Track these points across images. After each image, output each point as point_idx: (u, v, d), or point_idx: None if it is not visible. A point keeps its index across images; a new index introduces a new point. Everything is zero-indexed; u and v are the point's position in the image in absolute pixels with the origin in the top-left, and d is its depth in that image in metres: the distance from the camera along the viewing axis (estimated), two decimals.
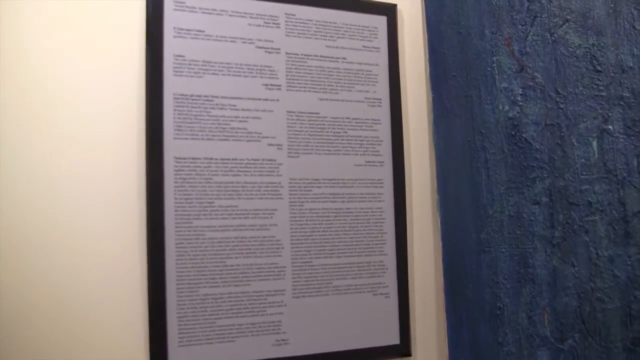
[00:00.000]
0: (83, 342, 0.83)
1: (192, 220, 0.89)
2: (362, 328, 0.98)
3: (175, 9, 0.91)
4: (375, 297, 1.00)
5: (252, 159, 0.94)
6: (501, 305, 0.99)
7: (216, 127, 0.92)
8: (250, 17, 0.96)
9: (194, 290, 0.88)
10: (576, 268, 1.00)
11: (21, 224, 0.82)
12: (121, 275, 0.86)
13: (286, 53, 0.98)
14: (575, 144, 1.03)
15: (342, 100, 1.01)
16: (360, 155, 1.02)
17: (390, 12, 1.07)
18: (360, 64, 1.04)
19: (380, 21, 1.06)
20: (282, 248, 0.94)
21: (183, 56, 0.91)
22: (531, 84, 1.04)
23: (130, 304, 0.86)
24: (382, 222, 1.02)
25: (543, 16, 1.06)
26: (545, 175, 1.02)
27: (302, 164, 0.97)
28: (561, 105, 1.04)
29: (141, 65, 0.90)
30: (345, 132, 1.01)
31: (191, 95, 0.91)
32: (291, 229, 0.95)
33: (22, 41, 0.85)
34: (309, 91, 0.99)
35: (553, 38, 1.05)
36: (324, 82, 1.00)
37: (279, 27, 0.98)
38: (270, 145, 0.95)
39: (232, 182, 0.92)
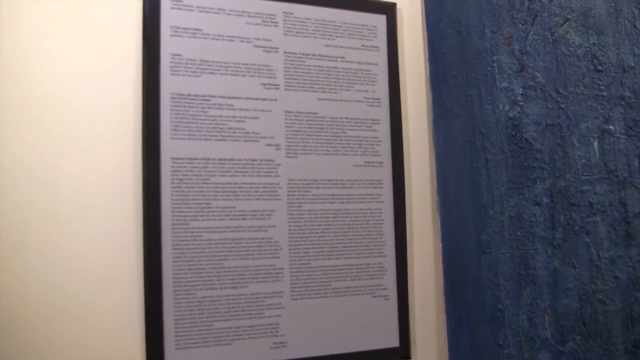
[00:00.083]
0: (78, 345, 0.83)
1: (189, 221, 0.88)
2: (361, 330, 0.97)
3: (172, 8, 0.91)
4: (374, 299, 0.99)
5: (250, 160, 0.93)
6: (502, 307, 0.99)
7: (213, 127, 0.91)
8: (248, 16, 0.96)
9: (191, 293, 0.87)
10: (577, 269, 1.00)
11: (16, 225, 0.82)
12: (117, 277, 0.86)
13: (284, 52, 0.98)
14: (576, 144, 1.03)
15: (341, 100, 1.01)
16: (360, 155, 1.01)
17: (389, 11, 1.06)
18: (360, 63, 1.03)
19: (380, 20, 1.05)
20: (280, 249, 0.94)
21: (180, 55, 0.91)
22: (532, 83, 1.04)
23: (126, 306, 0.85)
24: (381, 224, 1.01)
25: (543, 15, 1.05)
26: (546, 176, 1.02)
27: (300, 165, 0.97)
28: (562, 105, 1.03)
29: (138, 64, 0.90)
30: (344, 132, 1.01)
31: (188, 95, 0.91)
32: (289, 230, 0.94)
33: (17, 41, 0.84)
34: (308, 91, 0.99)
35: (554, 37, 1.05)
36: (322, 81, 1.00)
37: (277, 26, 0.98)
38: (269, 145, 0.95)
39: (230, 183, 0.91)
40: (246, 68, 0.95)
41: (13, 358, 0.79)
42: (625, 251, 1.01)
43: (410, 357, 1.00)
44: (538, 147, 1.02)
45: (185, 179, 0.89)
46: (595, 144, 1.03)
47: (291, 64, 0.98)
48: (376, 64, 1.04)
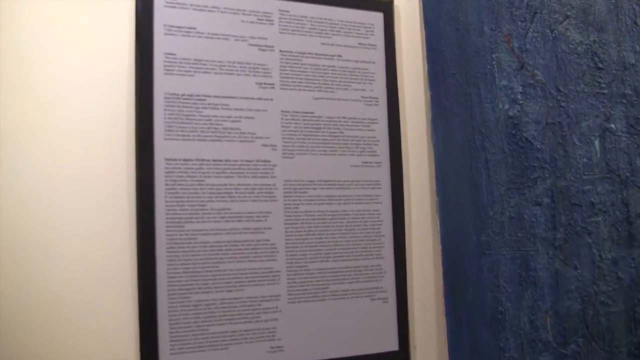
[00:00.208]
0: (71, 350, 0.82)
1: (183, 223, 0.88)
2: (359, 334, 0.97)
3: (165, 6, 0.91)
4: (373, 302, 0.98)
5: (246, 160, 0.93)
6: (502, 310, 0.98)
7: (208, 128, 0.91)
8: (243, 14, 0.95)
9: (185, 296, 0.87)
10: (579, 270, 0.99)
11: (8, 227, 0.81)
12: (111, 281, 0.85)
13: (280, 51, 0.97)
14: (577, 143, 1.03)
15: (338, 99, 1.00)
16: (357, 155, 1.00)
17: (386, 9, 1.06)
18: (357, 61, 1.03)
19: (377, 18, 1.05)
20: (277, 252, 0.93)
21: (174, 54, 0.90)
22: (531, 81, 1.04)
23: (120, 310, 0.85)
24: (379, 225, 1.00)
25: (543, 12, 1.05)
26: (546, 176, 1.01)
27: (297, 165, 0.96)
28: (562, 104, 1.03)
29: (131, 63, 0.89)
30: (342, 132, 1.00)
31: (182, 95, 0.90)
32: (286, 232, 0.94)
33: (10, 41, 0.84)
34: (304, 90, 0.98)
35: (553, 35, 1.05)
36: (319, 80, 0.99)
37: (272, 24, 0.97)
38: (264, 145, 0.94)
39: (225, 184, 0.91)
40: (241, 67, 0.94)
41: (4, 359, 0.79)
42: (627, 252, 1.01)
43: None
44: (538, 146, 1.02)
45: (180, 180, 0.88)
46: (597, 142, 1.03)
47: (287, 63, 0.97)
48: (373, 63, 1.04)
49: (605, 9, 1.06)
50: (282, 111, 0.96)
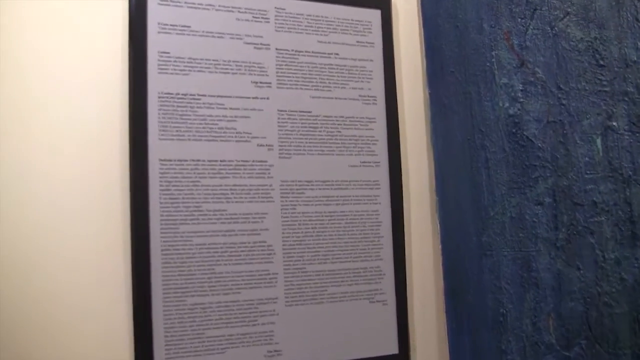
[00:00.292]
0: (63, 355, 0.81)
1: (178, 225, 0.87)
2: (358, 337, 0.96)
3: (159, 4, 0.90)
4: (372, 304, 0.98)
5: (242, 161, 0.92)
6: (504, 311, 0.98)
7: (203, 127, 0.90)
8: (239, 12, 0.95)
9: (181, 300, 0.85)
10: (582, 271, 0.99)
11: (1, 228, 0.80)
12: (104, 284, 0.84)
13: (276, 49, 0.96)
14: (578, 141, 1.03)
15: (336, 98, 1.00)
16: (355, 155, 1.00)
17: (384, 6, 1.05)
18: (354, 59, 1.02)
19: (375, 15, 1.04)
20: (274, 254, 0.92)
21: (168, 53, 0.89)
22: (532, 79, 1.03)
23: (114, 313, 0.84)
24: (378, 226, 0.99)
25: (543, 9, 1.05)
26: (548, 175, 1.01)
27: (294, 165, 0.95)
28: (563, 102, 1.03)
29: (124, 62, 0.88)
30: (339, 132, 0.99)
31: (177, 94, 0.89)
32: (283, 233, 0.93)
33: (2, 41, 0.83)
34: (301, 89, 0.97)
35: (554, 32, 1.04)
36: (316, 79, 0.99)
37: (268, 22, 0.96)
38: (261, 145, 0.93)
39: (221, 185, 0.90)
40: (237, 66, 0.93)
41: None
42: (631, 252, 1.00)
43: None
44: (539, 145, 1.02)
45: (174, 181, 0.87)
46: (599, 141, 1.03)
47: (283, 61, 0.96)
48: (371, 61, 1.03)
49: (606, 5, 1.06)
50: (278, 110, 0.95)
